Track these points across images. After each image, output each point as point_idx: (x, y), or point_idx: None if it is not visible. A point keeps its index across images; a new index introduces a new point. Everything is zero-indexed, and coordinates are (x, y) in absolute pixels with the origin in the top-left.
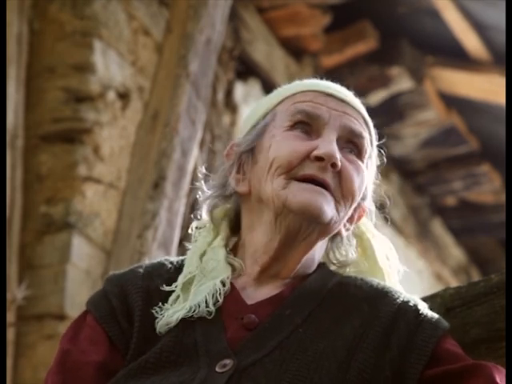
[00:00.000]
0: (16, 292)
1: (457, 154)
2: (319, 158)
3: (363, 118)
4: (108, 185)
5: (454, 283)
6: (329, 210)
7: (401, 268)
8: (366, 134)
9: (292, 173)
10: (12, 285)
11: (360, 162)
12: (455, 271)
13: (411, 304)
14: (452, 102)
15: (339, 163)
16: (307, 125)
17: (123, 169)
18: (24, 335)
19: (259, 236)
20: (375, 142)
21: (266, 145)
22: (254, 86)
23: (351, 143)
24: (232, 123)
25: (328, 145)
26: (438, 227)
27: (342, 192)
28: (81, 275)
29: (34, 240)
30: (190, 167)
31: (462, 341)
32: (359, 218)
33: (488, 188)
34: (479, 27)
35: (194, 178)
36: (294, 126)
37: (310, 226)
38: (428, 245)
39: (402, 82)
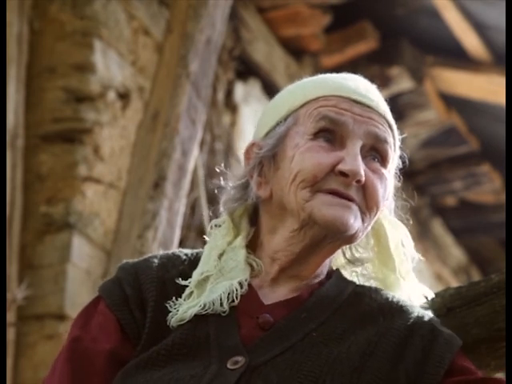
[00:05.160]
0: (16, 292)
1: (457, 154)
2: (344, 174)
3: (387, 122)
4: (108, 185)
5: (454, 283)
6: (355, 223)
7: (416, 255)
8: (390, 139)
9: (316, 186)
10: (12, 285)
11: (383, 170)
12: (455, 271)
13: (426, 319)
14: (452, 102)
15: (363, 179)
16: (331, 132)
17: (123, 169)
18: (24, 335)
19: (280, 240)
20: (398, 144)
21: (288, 153)
22: (254, 86)
23: (375, 150)
24: (232, 123)
25: (353, 160)
26: (438, 227)
27: (367, 204)
28: (81, 275)
29: (34, 240)
30: (190, 167)
31: (462, 341)
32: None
33: (488, 188)
34: (479, 27)
35: (194, 178)
36: (317, 134)
37: (335, 236)
38: (428, 245)
39: (402, 82)
